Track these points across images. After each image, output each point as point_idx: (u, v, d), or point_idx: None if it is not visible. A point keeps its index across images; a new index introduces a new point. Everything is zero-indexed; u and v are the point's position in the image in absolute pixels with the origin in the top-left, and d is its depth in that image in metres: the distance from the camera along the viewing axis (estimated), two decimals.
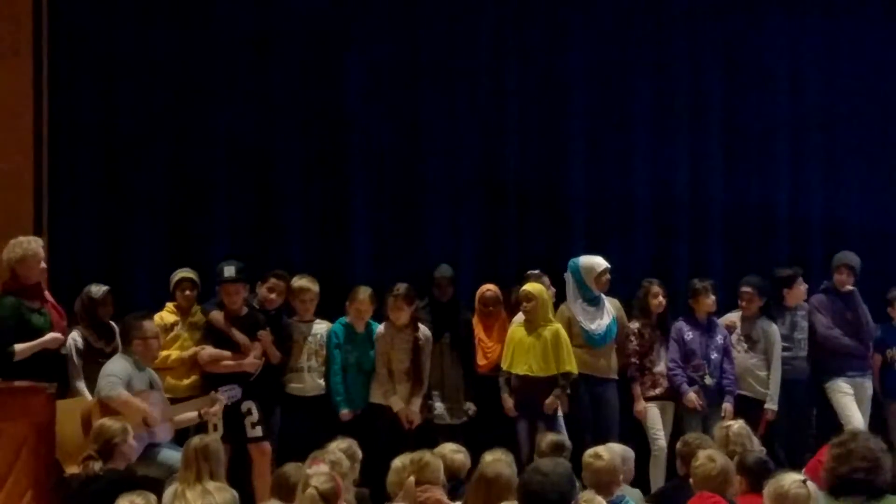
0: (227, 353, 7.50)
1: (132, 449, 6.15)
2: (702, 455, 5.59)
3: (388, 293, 7.81)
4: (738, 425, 6.47)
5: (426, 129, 8.97)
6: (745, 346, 8.45)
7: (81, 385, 7.06)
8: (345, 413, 7.73)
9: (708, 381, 8.23)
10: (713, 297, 8.35)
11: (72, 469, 6.35)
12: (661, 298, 8.33)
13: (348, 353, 7.82)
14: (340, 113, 8.77)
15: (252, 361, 7.50)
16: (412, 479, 5.43)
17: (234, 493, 5.51)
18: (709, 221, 9.55)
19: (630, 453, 6.48)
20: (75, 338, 7.15)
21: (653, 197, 9.41)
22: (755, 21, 9.68)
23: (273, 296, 7.78)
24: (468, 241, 8.98)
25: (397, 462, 5.75)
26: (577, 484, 4.53)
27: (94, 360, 7.06)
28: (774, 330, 8.44)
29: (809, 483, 4.64)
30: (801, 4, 9.85)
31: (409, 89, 8.93)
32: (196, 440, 5.66)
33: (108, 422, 6.09)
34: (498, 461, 5.42)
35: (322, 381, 7.80)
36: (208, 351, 7.50)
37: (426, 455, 5.53)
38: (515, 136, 9.15)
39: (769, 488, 4.72)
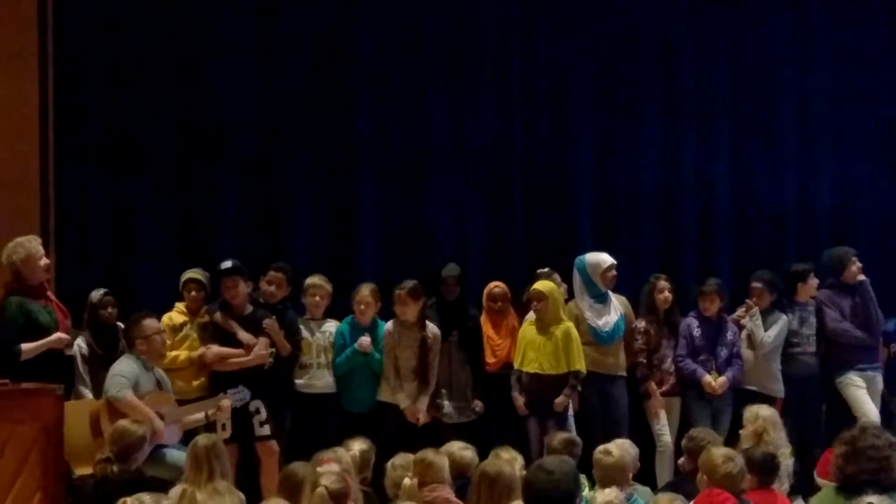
0: (234, 351, 7.48)
1: (145, 452, 6.16)
2: (718, 454, 5.50)
3: (395, 289, 7.80)
4: (768, 410, 6.59)
5: (433, 126, 8.96)
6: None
7: (87, 391, 7.09)
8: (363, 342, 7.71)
9: (714, 374, 8.21)
10: (718, 302, 8.29)
11: (81, 470, 6.37)
12: (666, 293, 8.29)
13: (356, 354, 7.80)
14: (348, 111, 8.76)
15: (259, 354, 7.47)
16: (414, 480, 5.41)
17: (242, 496, 5.49)
18: (717, 216, 9.54)
19: (634, 449, 6.46)
20: (80, 344, 7.16)
21: (660, 192, 9.40)
22: (762, 13, 9.67)
23: (272, 288, 7.75)
24: (475, 240, 8.97)
25: (391, 462, 5.76)
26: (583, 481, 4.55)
27: (98, 366, 7.06)
28: (782, 320, 8.39)
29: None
30: None
31: (416, 86, 8.92)
32: (204, 439, 5.60)
33: (130, 426, 6.07)
34: (498, 459, 5.40)
35: (332, 378, 7.79)
36: (214, 350, 7.47)
37: (429, 454, 5.49)
38: (522, 133, 9.14)
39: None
